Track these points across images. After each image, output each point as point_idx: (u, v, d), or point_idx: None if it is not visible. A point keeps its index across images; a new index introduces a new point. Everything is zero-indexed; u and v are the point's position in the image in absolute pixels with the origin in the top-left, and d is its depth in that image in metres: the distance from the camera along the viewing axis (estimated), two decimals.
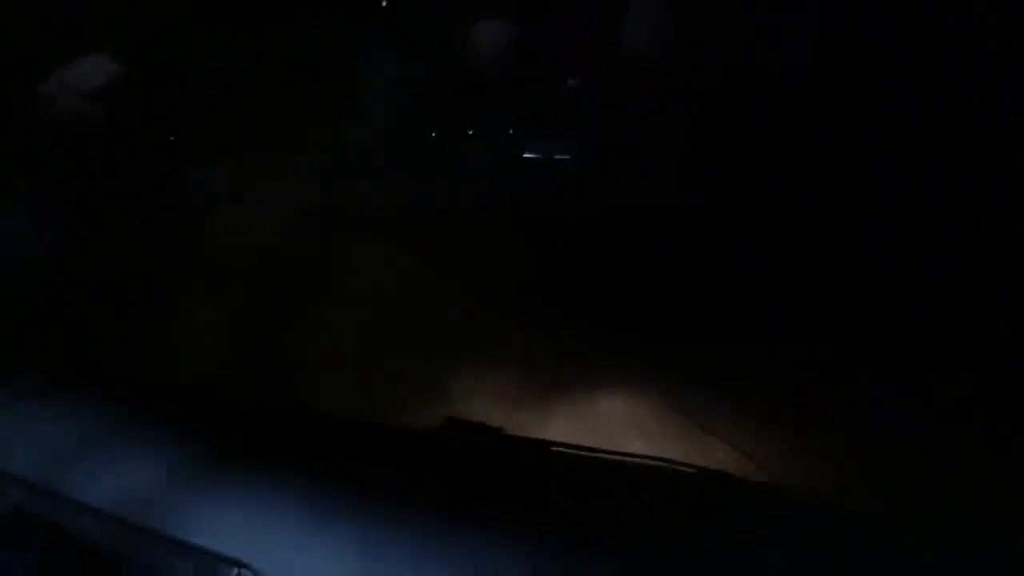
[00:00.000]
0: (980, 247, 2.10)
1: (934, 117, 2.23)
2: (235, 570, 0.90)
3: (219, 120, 2.61)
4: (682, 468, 1.18)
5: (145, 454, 1.19)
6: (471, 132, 2.57)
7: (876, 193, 2.27)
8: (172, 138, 2.56)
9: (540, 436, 1.31)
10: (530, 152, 2.49)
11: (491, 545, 0.92)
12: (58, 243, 2.41)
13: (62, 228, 2.44)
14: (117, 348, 2.17)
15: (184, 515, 1.02)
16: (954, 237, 2.14)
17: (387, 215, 2.49)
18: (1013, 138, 2.17)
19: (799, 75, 2.41)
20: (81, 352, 2.03)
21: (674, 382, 2.17)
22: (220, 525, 0.99)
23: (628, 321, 2.32)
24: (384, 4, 2.58)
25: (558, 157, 2.47)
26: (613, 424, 2.16)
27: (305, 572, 0.92)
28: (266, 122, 2.58)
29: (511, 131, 2.50)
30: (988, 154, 2.18)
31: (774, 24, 2.42)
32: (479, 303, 2.42)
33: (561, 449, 1.38)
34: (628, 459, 1.22)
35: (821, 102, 2.36)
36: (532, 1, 2.55)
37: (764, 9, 2.44)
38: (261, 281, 2.46)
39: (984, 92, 2.21)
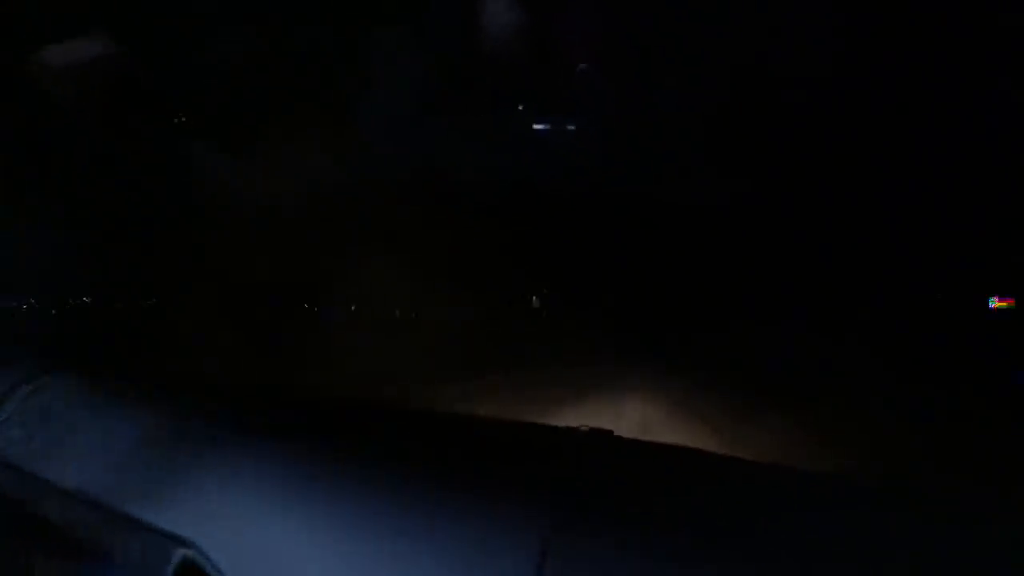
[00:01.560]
0: (977, 242, 2.07)
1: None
2: (181, 549, 0.80)
3: (220, 107, 2.57)
4: (693, 452, 1.11)
5: (110, 430, 1.12)
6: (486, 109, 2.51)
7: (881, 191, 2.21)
8: (177, 121, 2.52)
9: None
10: (540, 125, 2.44)
11: (487, 529, 0.82)
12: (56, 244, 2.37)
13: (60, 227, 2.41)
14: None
15: (139, 492, 0.95)
16: (953, 232, 2.10)
17: (400, 200, 2.43)
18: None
19: (808, 73, 2.33)
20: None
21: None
22: (174, 503, 0.92)
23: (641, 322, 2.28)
24: None
25: (567, 128, 2.42)
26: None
27: (256, 552, 0.82)
28: (270, 106, 2.53)
29: (521, 107, 2.44)
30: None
31: (784, 22, 2.35)
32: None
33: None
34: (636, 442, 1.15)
35: (831, 100, 2.28)
36: None
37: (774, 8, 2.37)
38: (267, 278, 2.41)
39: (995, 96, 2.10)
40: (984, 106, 1.97)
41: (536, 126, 2.39)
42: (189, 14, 2.39)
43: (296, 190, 2.44)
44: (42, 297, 2.24)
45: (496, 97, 2.49)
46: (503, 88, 2.49)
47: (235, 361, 2.28)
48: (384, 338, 2.27)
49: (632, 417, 2.16)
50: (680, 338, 2.16)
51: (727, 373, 2.07)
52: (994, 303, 2.19)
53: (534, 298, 2.50)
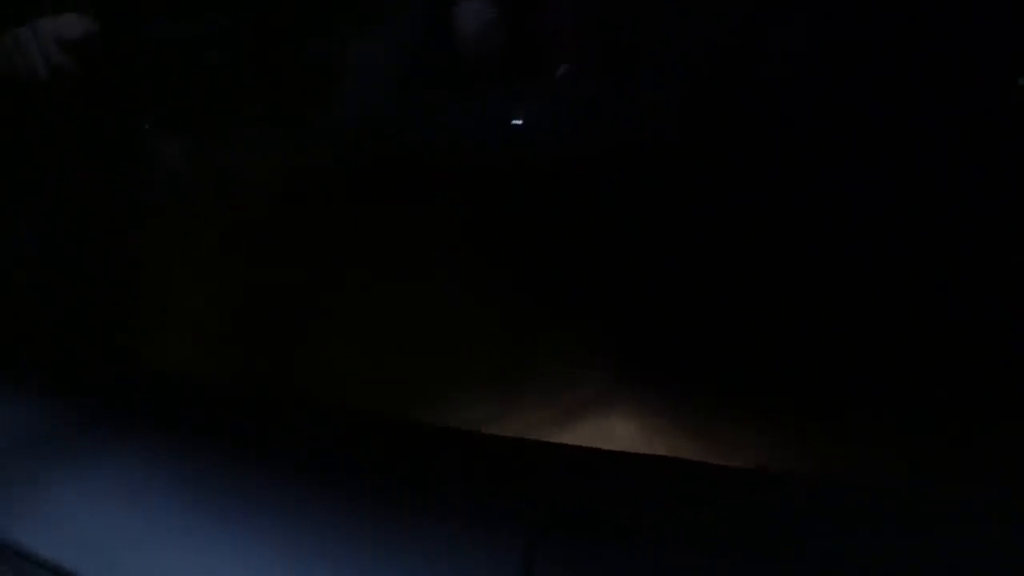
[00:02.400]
0: (974, 244, 2.07)
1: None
2: None
3: (200, 87, 2.48)
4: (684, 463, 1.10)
5: None
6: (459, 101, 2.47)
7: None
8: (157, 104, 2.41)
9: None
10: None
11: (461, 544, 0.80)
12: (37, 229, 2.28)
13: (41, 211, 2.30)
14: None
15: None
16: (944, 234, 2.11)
17: (377, 187, 2.37)
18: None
19: (793, 72, 2.34)
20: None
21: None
22: (57, 528, 0.85)
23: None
24: None
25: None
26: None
27: None
28: (247, 89, 2.45)
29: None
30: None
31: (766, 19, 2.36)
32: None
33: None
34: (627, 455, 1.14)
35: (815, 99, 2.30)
36: None
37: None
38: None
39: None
40: None
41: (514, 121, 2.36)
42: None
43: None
44: None
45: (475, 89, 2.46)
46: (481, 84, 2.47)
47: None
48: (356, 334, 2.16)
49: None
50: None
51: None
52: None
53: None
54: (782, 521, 0.87)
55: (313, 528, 0.80)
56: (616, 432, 1.90)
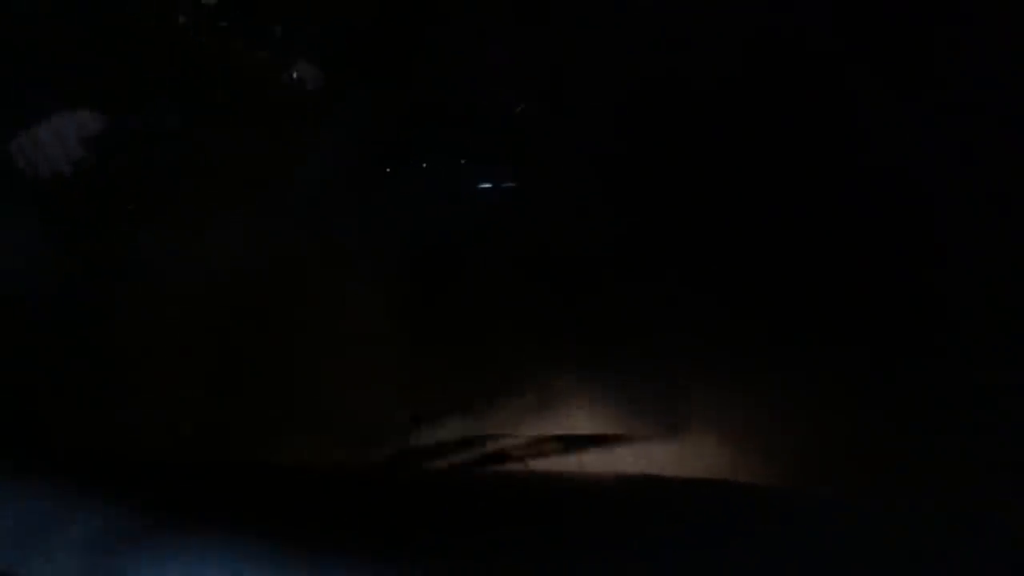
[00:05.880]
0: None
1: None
2: None
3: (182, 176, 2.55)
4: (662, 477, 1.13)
5: None
6: (424, 165, 2.58)
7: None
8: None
9: None
10: (484, 182, 2.50)
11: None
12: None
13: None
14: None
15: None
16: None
17: (344, 254, 2.45)
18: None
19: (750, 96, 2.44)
20: None
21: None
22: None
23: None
24: None
25: (507, 185, 2.48)
26: None
27: None
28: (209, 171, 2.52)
29: (463, 161, 2.51)
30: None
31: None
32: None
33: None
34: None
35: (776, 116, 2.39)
36: (468, 29, 2.59)
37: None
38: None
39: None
40: None
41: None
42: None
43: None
44: None
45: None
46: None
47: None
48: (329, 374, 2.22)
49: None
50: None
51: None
52: None
53: None
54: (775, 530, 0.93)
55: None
56: None
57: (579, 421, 2.08)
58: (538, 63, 2.53)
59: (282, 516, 0.99)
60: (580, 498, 1.16)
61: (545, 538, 0.91)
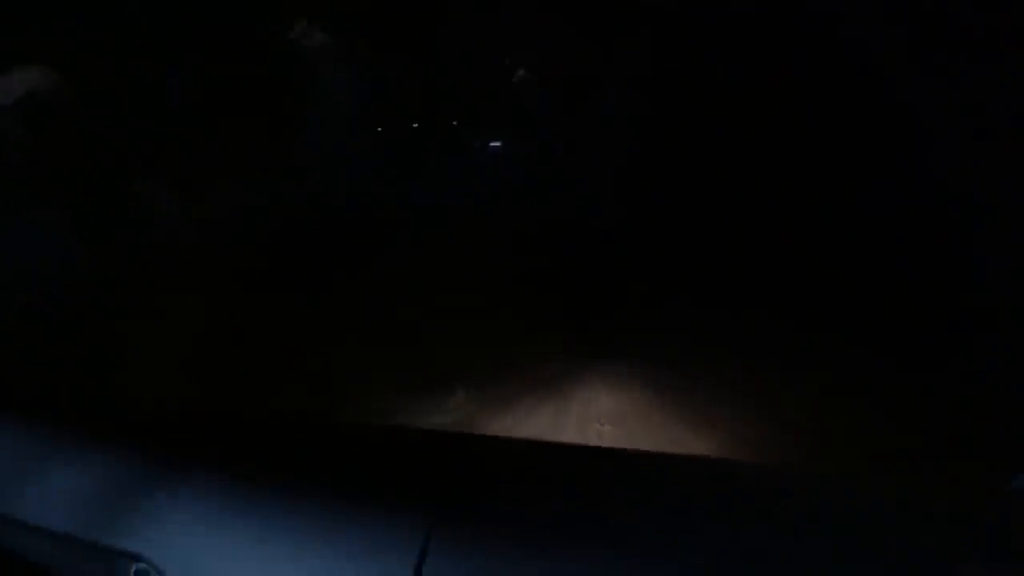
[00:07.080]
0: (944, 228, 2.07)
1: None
2: (133, 565, 0.90)
3: (161, 129, 2.53)
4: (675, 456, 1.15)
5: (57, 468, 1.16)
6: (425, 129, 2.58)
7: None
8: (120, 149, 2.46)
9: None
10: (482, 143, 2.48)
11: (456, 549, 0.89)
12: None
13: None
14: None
15: (89, 513, 1.01)
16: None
17: (353, 217, 2.48)
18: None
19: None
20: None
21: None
22: (122, 522, 0.99)
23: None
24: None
25: (499, 145, 2.45)
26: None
27: (203, 566, 0.91)
28: (214, 127, 2.54)
29: (456, 123, 2.50)
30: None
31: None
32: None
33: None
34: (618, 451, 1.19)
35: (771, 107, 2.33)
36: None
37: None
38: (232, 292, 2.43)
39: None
40: None
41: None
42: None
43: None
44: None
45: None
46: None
47: None
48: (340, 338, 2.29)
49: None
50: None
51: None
52: None
53: None
54: (786, 511, 0.93)
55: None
56: None
57: None
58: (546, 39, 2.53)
59: (273, 465, 1.05)
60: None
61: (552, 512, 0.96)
